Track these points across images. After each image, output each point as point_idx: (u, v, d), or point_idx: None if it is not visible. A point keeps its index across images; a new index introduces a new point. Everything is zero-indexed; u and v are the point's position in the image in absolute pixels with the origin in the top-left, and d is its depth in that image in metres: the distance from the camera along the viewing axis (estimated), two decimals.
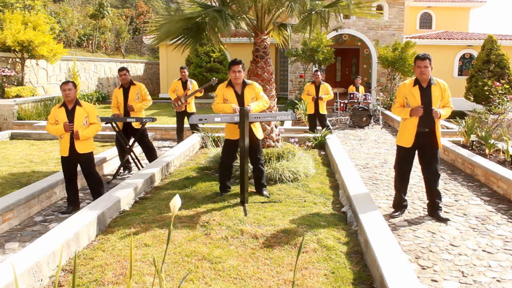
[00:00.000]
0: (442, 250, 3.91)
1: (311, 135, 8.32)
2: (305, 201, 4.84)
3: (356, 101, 12.61)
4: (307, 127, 9.72)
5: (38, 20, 13.17)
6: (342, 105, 13.13)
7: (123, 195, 4.66)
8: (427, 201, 4.86)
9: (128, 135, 6.72)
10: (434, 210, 4.73)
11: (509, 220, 4.67)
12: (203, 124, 5.75)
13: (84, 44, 24.66)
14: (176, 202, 1.82)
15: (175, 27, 5.85)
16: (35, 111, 11.72)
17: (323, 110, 9.22)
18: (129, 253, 3.46)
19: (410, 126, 4.60)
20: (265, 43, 6.25)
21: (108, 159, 6.91)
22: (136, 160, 6.78)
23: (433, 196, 4.73)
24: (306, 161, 6.11)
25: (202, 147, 8.03)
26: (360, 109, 12.11)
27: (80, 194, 5.45)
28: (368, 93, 12.87)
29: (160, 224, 4.08)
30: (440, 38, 18.54)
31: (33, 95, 12.75)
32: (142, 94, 6.65)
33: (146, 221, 4.17)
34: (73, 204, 5.07)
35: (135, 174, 5.73)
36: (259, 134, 5.03)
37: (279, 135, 6.54)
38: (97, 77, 18.77)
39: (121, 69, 6.59)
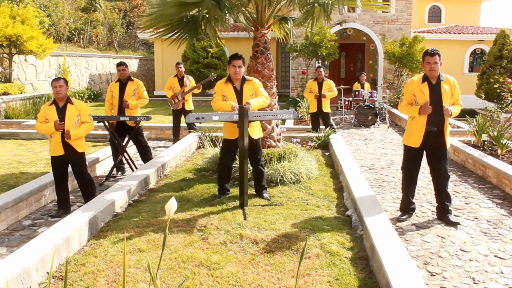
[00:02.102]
0: (452, 256, 3.91)
1: (314, 134, 8.32)
2: (307, 204, 4.84)
3: (361, 98, 12.62)
4: (310, 126, 9.73)
5: (27, 13, 13.17)
6: (346, 103, 13.14)
7: (116, 197, 4.66)
8: (436, 204, 4.86)
9: (122, 134, 6.72)
10: (443, 214, 4.73)
11: None
12: (200, 123, 5.75)
13: (75, 39, 24.66)
14: (171, 205, 1.82)
15: (169, 12, 5.79)
16: (23, 110, 11.73)
17: (326, 108, 9.22)
18: (123, 258, 3.46)
19: (418, 125, 4.60)
20: (266, 38, 6.25)
21: (101, 159, 6.91)
22: (130, 161, 6.78)
23: (443, 198, 4.73)
24: (309, 162, 6.11)
25: (199, 147, 8.03)
26: (365, 107, 12.12)
27: (71, 197, 5.45)
28: (374, 91, 12.87)
29: (155, 228, 4.08)
30: (449, 33, 18.55)
31: (21, 93, 12.75)
32: (139, 91, 6.66)
33: (140, 225, 4.17)
34: (63, 207, 5.07)
35: (129, 175, 5.73)
36: (259, 133, 5.03)
37: (280, 134, 6.55)
38: (88, 73, 18.77)
39: (120, 64, 6.60)
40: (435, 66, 4.49)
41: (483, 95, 14.36)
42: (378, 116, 12.54)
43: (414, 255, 3.92)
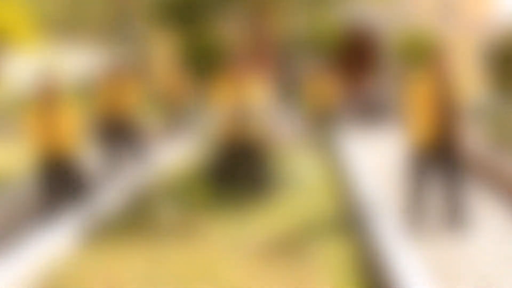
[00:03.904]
0: (462, 264, 3.92)
1: (315, 134, 8.33)
2: (309, 207, 4.85)
3: (365, 96, 12.62)
4: (311, 126, 9.74)
5: (13, 5, 13.13)
6: (349, 100, 13.14)
7: (109, 201, 4.67)
8: (445, 209, 4.87)
9: (117, 133, 6.72)
10: (453, 219, 4.75)
11: None
12: (197, 121, 5.77)
13: (65, 32, 24.61)
14: (168, 208, 1.84)
15: (167, 4, 5.83)
16: (8, 109, 11.71)
17: (328, 106, 9.24)
18: (116, 265, 3.47)
19: (425, 124, 4.62)
20: (266, 32, 6.25)
21: (93, 160, 6.90)
22: (124, 162, 6.78)
23: (453, 203, 4.75)
24: (309, 162, 6.12)
25: (197, 148, 8.04)
26: (369, 105, 12.13)
27: (62, 199, 5.45)
28: (379, 88, 12.88)
29: (151, 234, 4.09)
30: (460, 27, 18.55)
31: (5, 91, 12.73)
32: (132, 87, 6.68)
33: (135, 230, 4.17)
34: (52, 211, 5.07)
35: (123, 177, 5.74)
36: (257, 132, 5.04)
37: (279, 134, 6.55)
38: (79, 69, 18.75)
39: (113, 61, 6.61)
40: (442, 63, 4.52)
41: (496, 92, 14.37)
42: (383, 115, 12.55)
43: (422, 262, 3.93)
